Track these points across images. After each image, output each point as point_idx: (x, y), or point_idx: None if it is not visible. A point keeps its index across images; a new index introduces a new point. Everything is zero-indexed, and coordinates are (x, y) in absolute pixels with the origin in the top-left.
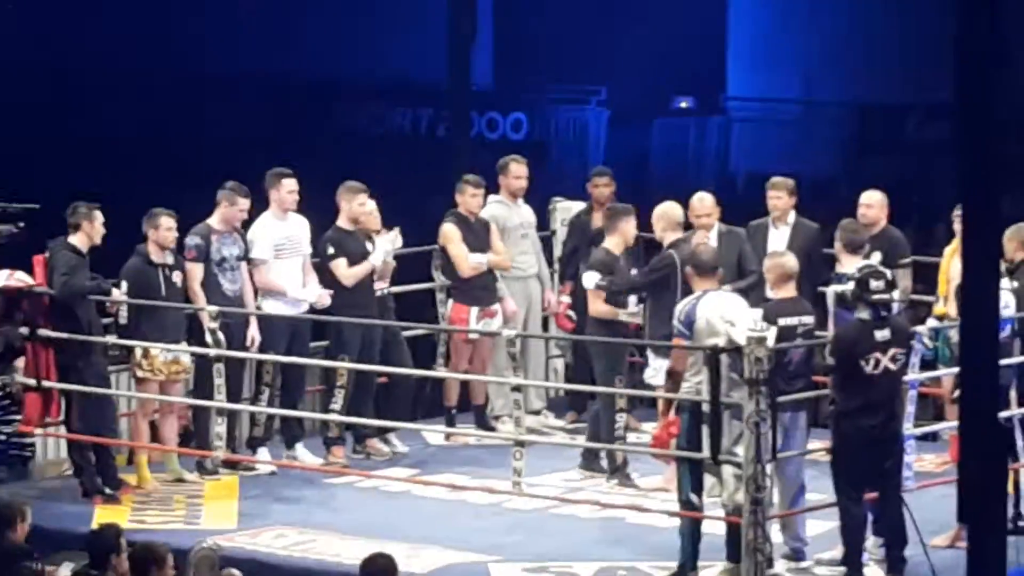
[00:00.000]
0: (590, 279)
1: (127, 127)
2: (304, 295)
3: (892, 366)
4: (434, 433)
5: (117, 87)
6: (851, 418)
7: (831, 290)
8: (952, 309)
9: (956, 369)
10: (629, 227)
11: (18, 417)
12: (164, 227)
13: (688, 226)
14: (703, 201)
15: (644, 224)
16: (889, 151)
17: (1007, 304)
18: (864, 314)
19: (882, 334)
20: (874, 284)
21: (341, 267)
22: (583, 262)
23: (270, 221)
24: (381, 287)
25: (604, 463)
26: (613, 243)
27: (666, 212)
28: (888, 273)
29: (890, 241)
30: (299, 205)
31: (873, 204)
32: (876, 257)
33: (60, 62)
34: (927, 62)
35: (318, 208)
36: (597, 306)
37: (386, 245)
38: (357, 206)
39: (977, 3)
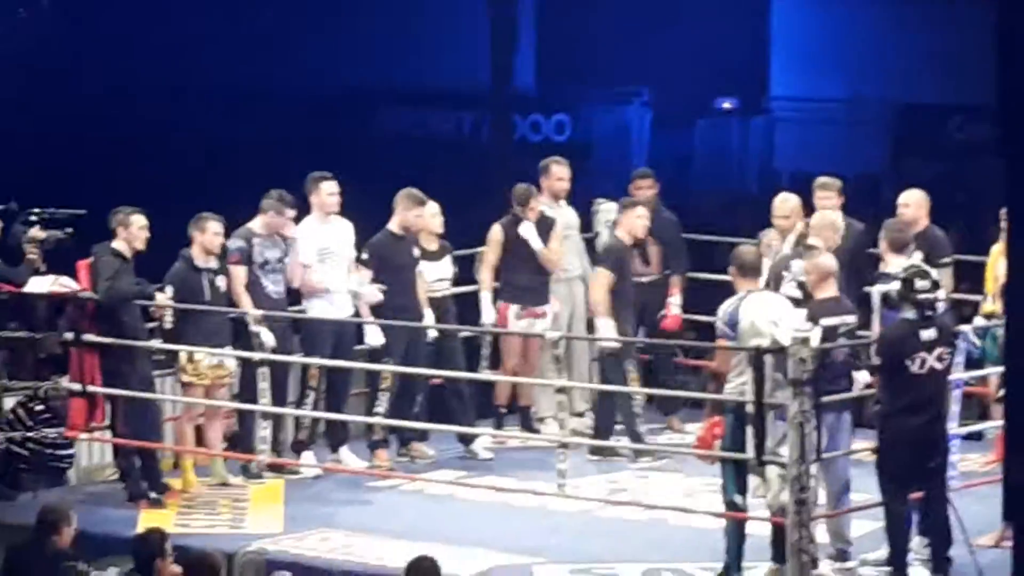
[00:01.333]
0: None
1: (175, 134)
2: (352, 286)
3: (938, 365)
4: (480, 435)
5: (168, 94)
6: (897, 418)
7: (876, 290)
8: (1000, 307)
9: (1001, 368)
10: (632, 219)
11: (54, 429)
12: (211, 231)
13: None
14: (786, 202)
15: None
16: (933, 150)
17: None
18: (910, 314)
19: (928, 334)
20: (919, 284)
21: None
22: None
23: (313, 225)
24: (440, 288)
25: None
26: (621, 233)
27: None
28: (933, 273)
29: (930, 241)
30: (343, 209)
31: (910, 203)
32: (917, 256)
33: (111, 69)
34: (971, 62)
35: (363, 212)
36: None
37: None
38: (413, 216)
39: (1018, 3)
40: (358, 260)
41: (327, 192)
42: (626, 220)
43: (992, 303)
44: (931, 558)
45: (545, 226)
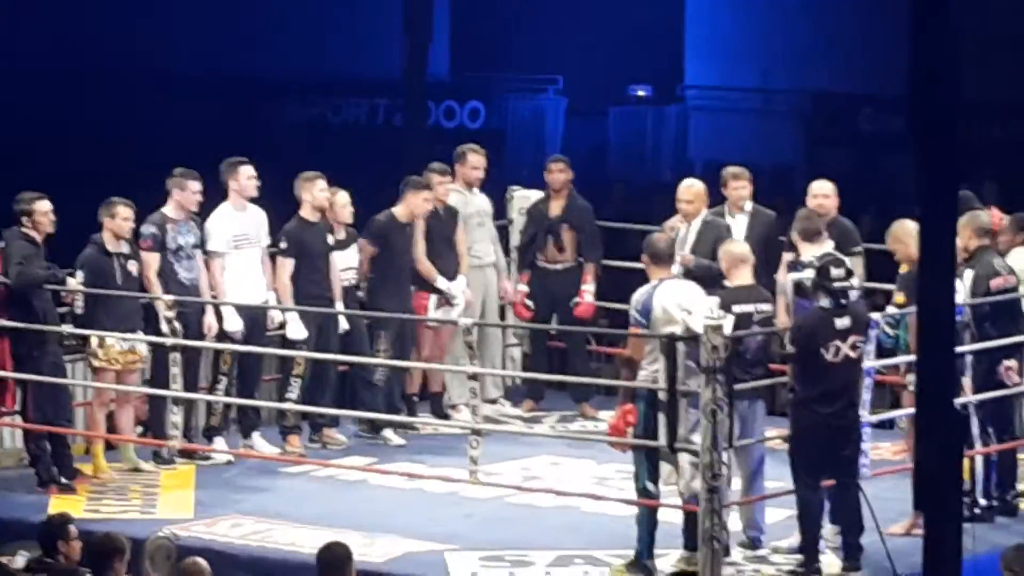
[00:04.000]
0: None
1: (84, 121)
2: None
3: (852, 354)
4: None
5: (74, 82)
6: (810, 406)
7: (790, 278)
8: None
9: (911, 357)
10: (418, 201)
11: None
12: (121, 216)
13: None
14: (690, 188)
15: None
16: (846, 140)
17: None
18: (824, 302)
19: (842, 322)
20: (834, 272)
21: (285, 267)
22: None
23: (228, 212)
24: (348, 278)
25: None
26: (399, 210)
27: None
28: (847, 261)
29: (841, 230)
30: (258, 195)
31: (830, 194)
32: (829, 245)
33: (12, 53)
34: (883, 53)
35: (277, 201)
36: None
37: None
38: (318, 192)
39: None
40: (277, 250)
41: (246, 176)
42: (414, 200)
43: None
44: (842, 546)
45: (449, 216)
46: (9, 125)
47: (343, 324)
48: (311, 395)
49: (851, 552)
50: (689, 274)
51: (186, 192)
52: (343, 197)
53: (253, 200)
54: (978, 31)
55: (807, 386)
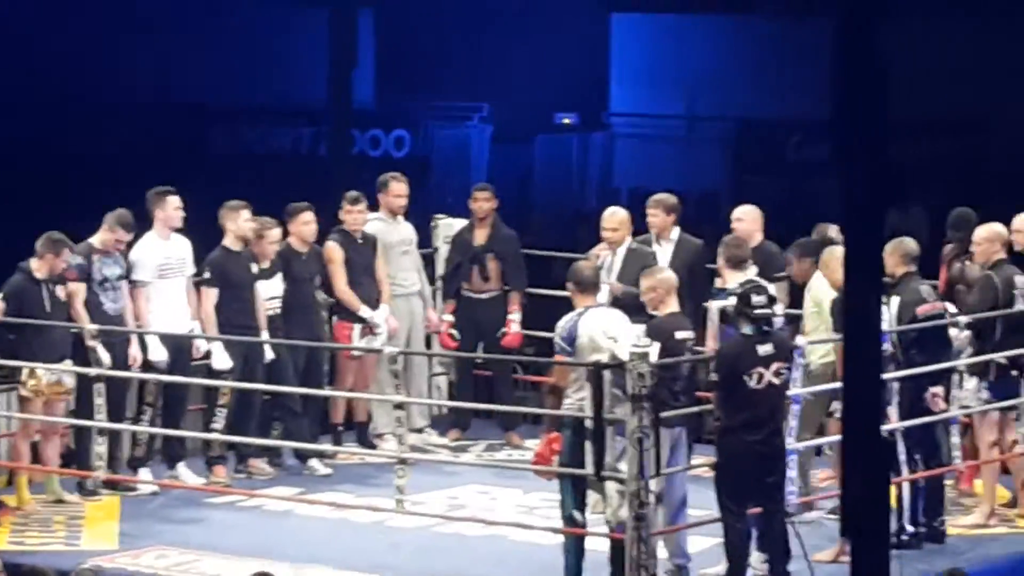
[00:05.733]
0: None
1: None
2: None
3: (775, 380)
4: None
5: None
6: (735, 433)
7: (714, 306)
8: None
9: (837, 384)
10: (299, 226)
11: None
12: (64, 257)
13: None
14: (614, 215)
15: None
16: (773, 168)
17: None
18: (746, 329)
19: (765, 349)
20: (756, 299)
21: (209, 297)
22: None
23: (154, 241)
24: (273, 307)
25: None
26: (292, 240)
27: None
28: (770, 288)
29: (765, 256)
30: (183, 225)
31: (744, 218)
32: (752, 271)
33: None
34: (809, 80)
35: (200, 230)
36: None
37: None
38: (243, 223)
39: (856, 20)
40: (201, 279)
41: (173, 206)
42: (294, 228)
43: None
44: (770, 573)
45: (368, 244)
46: None
47: (268, 353)
48: (237, 425)
49: None
50: (617, 302)
51: (112, 236)
52: (275, 234)
53: (177, 230)
54: (905, 47)
55: (731, 413)
